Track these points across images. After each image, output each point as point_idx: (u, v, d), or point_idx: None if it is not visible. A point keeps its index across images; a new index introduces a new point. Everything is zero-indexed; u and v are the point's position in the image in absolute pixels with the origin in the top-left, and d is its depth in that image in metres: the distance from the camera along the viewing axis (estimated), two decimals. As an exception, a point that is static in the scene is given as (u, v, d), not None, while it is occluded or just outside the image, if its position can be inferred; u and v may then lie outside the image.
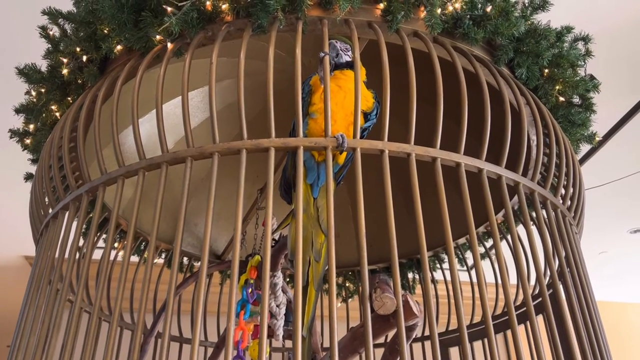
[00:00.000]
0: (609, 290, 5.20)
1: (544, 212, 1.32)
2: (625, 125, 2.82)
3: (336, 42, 1.40)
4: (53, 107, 1.57)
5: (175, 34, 1.28)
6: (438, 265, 2.21)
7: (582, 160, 3.11)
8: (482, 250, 2.07)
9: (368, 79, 1.47)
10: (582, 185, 1.56)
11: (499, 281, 1.92)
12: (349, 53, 1.41)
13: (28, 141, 1.68)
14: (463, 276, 2.05)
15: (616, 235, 4.16)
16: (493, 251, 2.00)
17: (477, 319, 1.98)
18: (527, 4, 1.46)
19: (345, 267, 2.33)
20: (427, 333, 2.14)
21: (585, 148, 1.75)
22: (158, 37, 1.30)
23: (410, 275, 2.29)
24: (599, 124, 1.67)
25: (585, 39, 1.54)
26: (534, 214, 1.30)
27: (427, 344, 2.11)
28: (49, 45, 1.55)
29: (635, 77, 2.59)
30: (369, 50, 1.49)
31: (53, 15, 1.51)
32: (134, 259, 2.10)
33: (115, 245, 2.04)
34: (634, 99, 2.72)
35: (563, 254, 1.30)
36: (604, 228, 3.99)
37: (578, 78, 1.51)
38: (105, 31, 1.40)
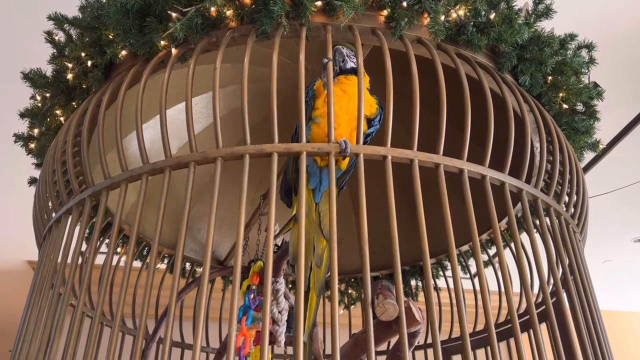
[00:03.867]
0: (615, 299, 5.17)
1: (547, 219, 1.31)
2: (630, 133, 2.81)
3: (343, 47, 1.42)
4: (57, 112, 1.57)
5: (179, 40, 1.29)
6: (441, 273, 2.20)
7: (587, 167, 3.10)
8: (485, 257, 2.06)
9: (372, 85, 1.47)
10: (586, 193, 1.56)
11: (502, 289, 1.91)
12: (354, 59, 1.41)
13: (32, 145, 1.68)
14: (466, 284, 2.04)
15: (620, 243, 4.14)
16: (497, 259, 1.99)
17: (480, 326, 1.96)
18: (530, 12, 1.46)
19: (348, 274, 2.32)
20: (429, 341, 2.13)
21: (589, 156, 1.74)
22: (162, 42, 1.31)
23: (413, 282, 2.28)
24: (604, 132, 1.66)
25: (589, 47, 1.53)
26: (537, 221, 1.29)
27: (430, 351, 2.09)
28: (54, 50, 1.57)
29: (638, 85, 2.58)
30: (373, 57, 1.50)
31: (58, 20, 1.52)
32: (137, 264, 2.10)
33: (118, 250, 2.04)
34: (638, 108, 2.71)
35: (567, 261, 1.29)
36: (608, 236, 3.97)
37: (582, 85, 1.51)
38: (110, 36, 1.40)
